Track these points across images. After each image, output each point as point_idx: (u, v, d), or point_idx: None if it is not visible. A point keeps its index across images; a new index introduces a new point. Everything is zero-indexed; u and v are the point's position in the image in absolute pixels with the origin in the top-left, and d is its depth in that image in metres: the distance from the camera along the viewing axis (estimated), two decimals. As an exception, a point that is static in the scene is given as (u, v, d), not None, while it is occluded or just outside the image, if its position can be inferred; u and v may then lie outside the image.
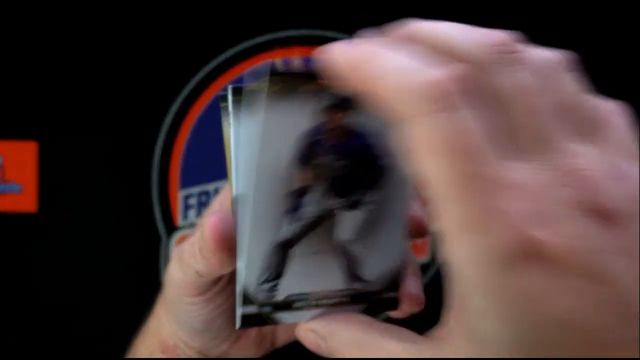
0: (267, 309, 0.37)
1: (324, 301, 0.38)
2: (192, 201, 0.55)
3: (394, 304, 0.38)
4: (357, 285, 0.38)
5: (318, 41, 0.54)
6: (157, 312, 0.47)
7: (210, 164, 0.55)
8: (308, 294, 0.37)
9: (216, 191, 0.55)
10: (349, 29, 0.54)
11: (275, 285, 0.37)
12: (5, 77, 0.55)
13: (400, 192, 0.37)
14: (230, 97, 0.36)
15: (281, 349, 0.47)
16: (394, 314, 0.39)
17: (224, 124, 0.37)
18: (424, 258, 0.56)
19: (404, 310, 0.38)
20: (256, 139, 0.36)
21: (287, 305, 0.37)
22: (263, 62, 0.55)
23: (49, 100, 0.55)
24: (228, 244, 0.37)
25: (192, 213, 0.56)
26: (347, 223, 0.38)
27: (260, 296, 0.37)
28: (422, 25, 0.33)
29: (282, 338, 0.46)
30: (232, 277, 0.42)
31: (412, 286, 0.38)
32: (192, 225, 0.56)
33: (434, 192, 0.28)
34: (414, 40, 0.32)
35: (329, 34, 0.54)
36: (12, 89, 0.55)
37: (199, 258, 0.39)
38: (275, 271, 0.37)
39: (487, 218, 0.27)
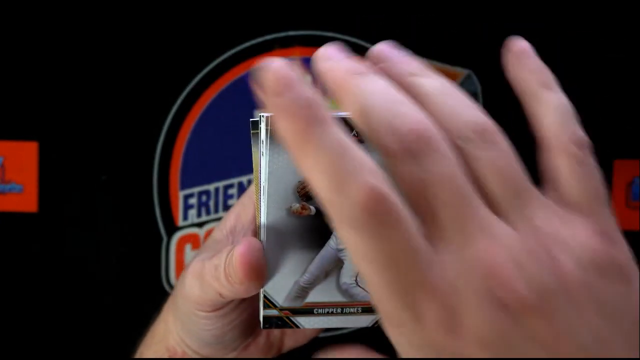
0: (287, 313, 0.39)
1: (340, 310, 0.38)
2: (193, 201, 0.55)
3: None
4: (365, 296, 0.39)
5: (318, 41, 0.54)
6: (164, 318, 0.47)
7: (210, 164, 0.55)
8: (326, 302, 0.38)
9: (216, 191, 0.55)
10: (349, 29, 0.54)
11: (297, 295, 0.39)
12: (6, 77, 0.55)
13: None
14: (263, 126, 0.36)
15: (286, 355, 0.47)
16: None
17: (254, 149, 0.37)
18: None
19: None
20: (291, 170, 0.37)
21: (307, 311, 0.39)
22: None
23: (49, 100, 0.55)
24: (257, 273, 0.38)
25: (192, 213, 0.56)
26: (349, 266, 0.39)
27: (282, 301, 0.38)
28: (354, 88, 0.33)
29: (288, 345, 0.46)
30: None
31: None
32: (192, 225, 0.56)
33: (371, 291, 0.31)
34: (341, 102, 0.33)
35: (329, 34, 0.54)
36: (12, 89, 0.55)
37: (224, 282, 0.39)
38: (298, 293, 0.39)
39: (410, 319, 0.30)
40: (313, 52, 0.53)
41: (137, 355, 0.49)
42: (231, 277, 0.38)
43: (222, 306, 0.42)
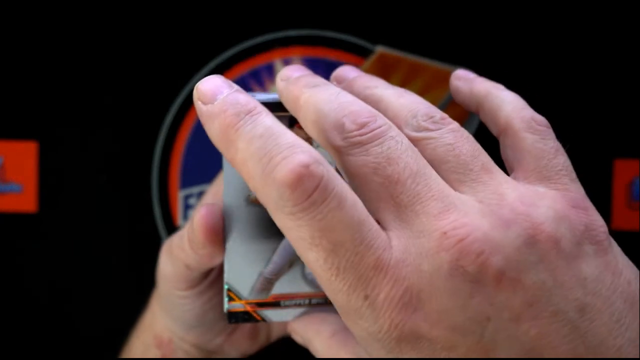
0: (253, 307, 0.38)
1: (307, 301, 0.38)
2: (192, 201, 0.55)
3: None
4: None
5: (318, 41, 0.54)
6: (151, 307, 0.47)
7: (210, 164, 0.55)
8: (293, 294, 0.38)
9: (216, 191, 0.55)
10: (349, 29, 0.54)
11: (262, 287, 0.38)
12: (5, 77, 0.55)
13: None
14: None
15: (276, 344, 0.47)
16: None
17: None
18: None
19: None
20: None
21: (273, 304, 0.38)
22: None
23: (49, 100, 0.55)
24: (218, 236, 0.37)
25: (192, 213, 0.56)
26: None
27: (247, 294, 0.37)
28: (303, 95, 0.33)
29: (276, 332, 0.46)
30: (221, 271, 0.42)
31: None
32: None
33: (319, 281, 0.29)
34: (293, 108, 0.33)
35: (328, 34, 0.54)
36: (12, 89, 0.55)
37: (188, 251, 0.39)
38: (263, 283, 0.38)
39: (366, 306, 0.28)
40: (313, 52, 0.53)
41: (127, 345, 0.49)
42: (193, 243, 0.38)
43: (196, 283, 0.41)
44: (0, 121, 0.55)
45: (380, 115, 0.31)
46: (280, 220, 0.29)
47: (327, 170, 0.29)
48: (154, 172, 0.55)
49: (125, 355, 0.51)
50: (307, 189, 0.28)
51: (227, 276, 0.37)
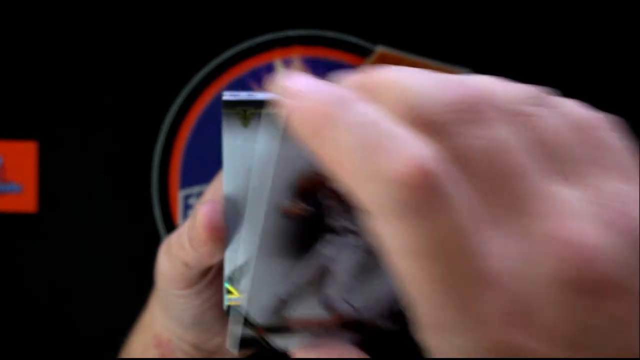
0: (263, 332, 0.35)
1: (321, 327, 0.36)
2: (192, 201, 0.55)
3: (398, 338, 0.36)
4: (350, 312, 0.35)
5: (318, 41, 0.54)
6: (150, 307, 0.47)
7: (210, 164, 0.55)
8: (308, 319, 0.35)
9: (216, 191, 0.55)
10: (349, 29, 0.54)
11: (276, 310, 0.35)
12: (5, 77, 0.55)
13: None
14: (222, 110, 0.34)
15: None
16: None
17: (226, 133, 0.35)
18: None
19: None
20: (290, 162, 0.32)
21: (284, 329, 0.35)
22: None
23: (49, 100, 0.55)
24: (219, 233, 0.37)
25: (191, 212, 0.56)
26: (341, 276, 0.35)
27: (259, 317, 0.35)
28: (383, 76, 0.29)
29: None
30: (220, 270, 0.42)
31: None
32: (192, 225, 0.56)
33: (410, 292, 0.26)
34: (372, 93, 0.29)
35: (328, 34, 0.54)
36: (12, 89, 0.55)
37: (188, 249, 0.39)
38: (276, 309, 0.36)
39: (466, 321, 0.25)
40: (313, 52, 0.53)
41: (127, 345, 0.49)
42: (194, 241, 0.38)
43: (194, 282, 0.41)
44: (0, 121, 0.55)
45: (482, 93, 0.27)
46: (383, 222, 0.26)
47: (448, 167, 0.25)
48: (154, 172, 0.55)
49: (124, 355, 0.51)
50: (424, 189, 0.25)
51: (244, 297, 0.34)
